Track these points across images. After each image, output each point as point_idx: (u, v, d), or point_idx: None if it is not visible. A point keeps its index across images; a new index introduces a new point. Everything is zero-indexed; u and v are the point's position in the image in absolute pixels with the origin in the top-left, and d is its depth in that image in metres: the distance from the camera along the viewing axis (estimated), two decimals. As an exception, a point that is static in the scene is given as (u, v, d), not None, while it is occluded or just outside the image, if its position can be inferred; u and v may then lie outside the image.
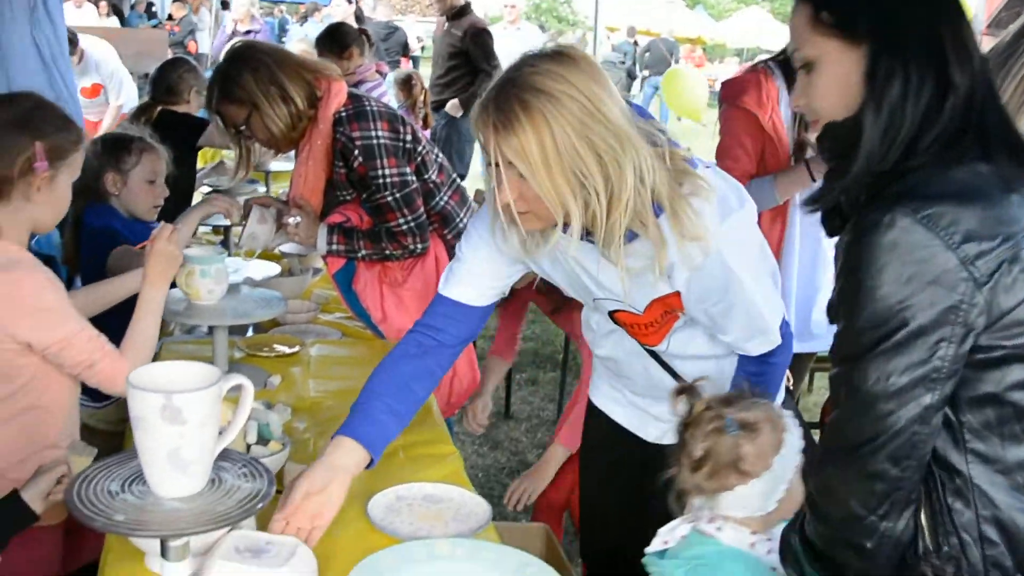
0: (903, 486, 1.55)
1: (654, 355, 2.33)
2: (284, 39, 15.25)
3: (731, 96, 3.25)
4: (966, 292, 1.48)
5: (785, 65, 3.21)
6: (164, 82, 4.82)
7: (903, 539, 1.57)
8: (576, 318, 2.66)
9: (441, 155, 3.39)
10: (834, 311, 1.60)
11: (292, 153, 3.32)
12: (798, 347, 2.45)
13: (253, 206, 3.23)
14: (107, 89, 7.42)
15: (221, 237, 4.38)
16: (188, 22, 14.42)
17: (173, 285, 2.59)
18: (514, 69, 1.87)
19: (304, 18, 16.71)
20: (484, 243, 2.18)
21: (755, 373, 2.22)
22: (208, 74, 4.29)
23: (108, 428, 3.16)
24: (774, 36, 21.39)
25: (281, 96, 3.07)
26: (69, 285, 3.09)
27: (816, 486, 1.61)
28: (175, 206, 4.28)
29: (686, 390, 1.95)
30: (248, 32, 10.56)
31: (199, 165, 5.33)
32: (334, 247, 3.19)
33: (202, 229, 4.55)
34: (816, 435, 4.57)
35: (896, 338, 1.50)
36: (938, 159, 1.53)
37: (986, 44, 2.14)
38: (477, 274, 2.23)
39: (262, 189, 5.28)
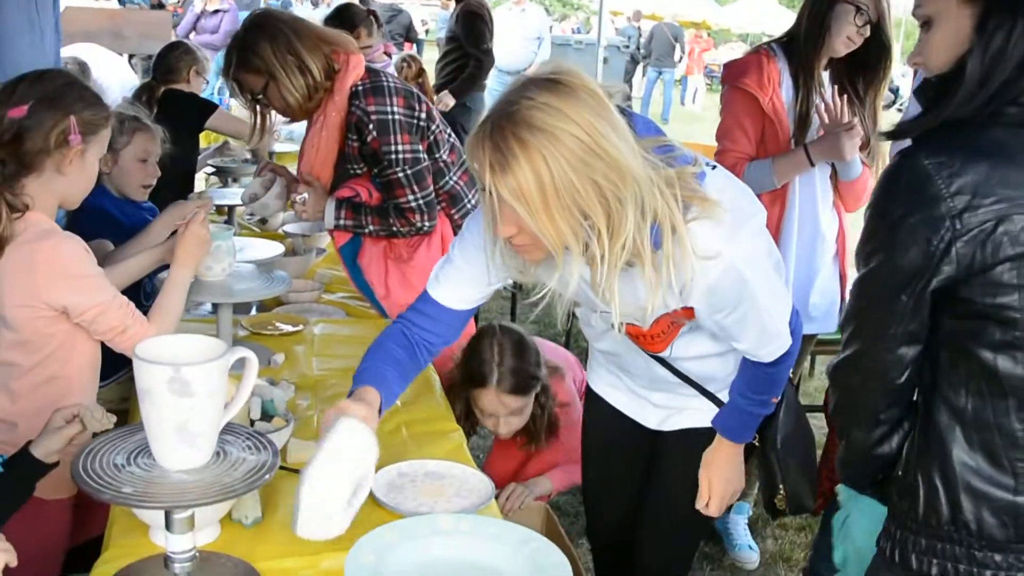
0: (864, 403, 1.78)
1: (658, 359, 2.32)
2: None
3: (732, 77, 3.27)
4: (942, 240, 1.59)
5: (787, 47, 3.23)
6: (164, 62, 4.84)
7: (880, 453, 1.79)
8: None
9: (453, 135, 3.40)
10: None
11: (294, 135, 3.33)
12: None
13: (266, 174, 3.26)
14: None
15: (226, 216, 4.39)
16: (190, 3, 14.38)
17: None
18: (510, 102, 1.76)
19: (315, 3, 16.60)
20: (478, 252, 2.08)
21: (765, 374, 2.22)
22: None
23: (110, 407, 3.17)
24: (779, 21, 21.29)
25: (299, 67, 3.06)
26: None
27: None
28: (178, 186, 4.31)
29: None
30: (216, 12, 10.44)
31: (202, 146, 5.34)
32: (341, 222, 3.20)
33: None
34: (819, 419, 4.57)
35: (871, 265, 1.69)
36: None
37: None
38: (467, 279, 2.17)
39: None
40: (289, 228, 4.33)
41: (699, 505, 2.41)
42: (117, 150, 3.31)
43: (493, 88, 8.14)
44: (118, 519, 2.08)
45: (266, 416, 2.35)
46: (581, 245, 1.78)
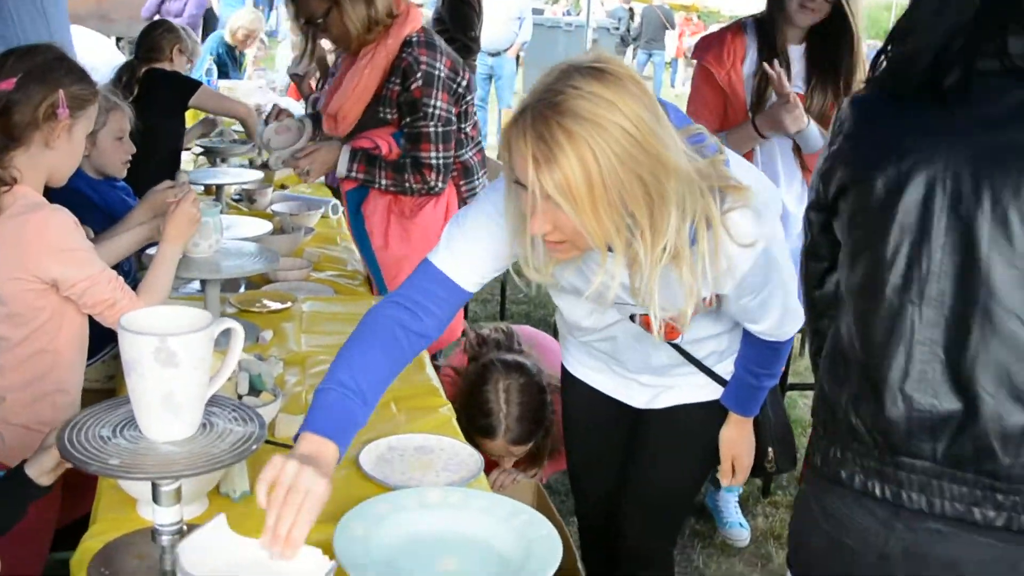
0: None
1: (672, 344, 2.28)
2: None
3: (698, 53, 3.32)
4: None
5: (760, 24, 3.23)
6: (146, 41, 4.79)
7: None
8: None
9: (478, 114, 3.46)
10: None
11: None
12: None
13: (283, 118, 3.31)
14: None
15: (214, 196, 4.37)
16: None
17: None
18: (553, 91, 1.65)
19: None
20: (495, 231, 1.95)
21: (773, 350, 2.24)
22: None
23: (95, 387, 3.16)
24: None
25: None
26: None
27: None
28: (165, 166, 4.28)
29: None
30: None
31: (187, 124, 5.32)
32: (354, 173, 3.26)
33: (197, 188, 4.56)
34: (809, 397, 4.58)
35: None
36: None
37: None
38: (479, 256, 2.01)
39: (253, 152, 5.27)
40: (277, 207, 4.33)
41: (725, 482, 2.49)
42: (95, 131, 3.29)
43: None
44: (105, 494, 2.07)
45: (254, 391, 2.34)
46: (624, 244, 1.70)
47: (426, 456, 2.28)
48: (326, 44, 4.44)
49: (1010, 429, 1.56)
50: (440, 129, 3.19)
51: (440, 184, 3.23)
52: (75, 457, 1.59)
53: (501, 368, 3.01)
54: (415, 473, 2.19)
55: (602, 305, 1.89)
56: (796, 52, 3.21)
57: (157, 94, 4.43)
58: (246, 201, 4.58)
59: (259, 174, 4.48)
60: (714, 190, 1.77)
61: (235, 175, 4.52)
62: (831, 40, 3.15)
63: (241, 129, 5.07)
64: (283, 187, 5.07)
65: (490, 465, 2.95)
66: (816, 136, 3.16)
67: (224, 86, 6.83)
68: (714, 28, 3.84)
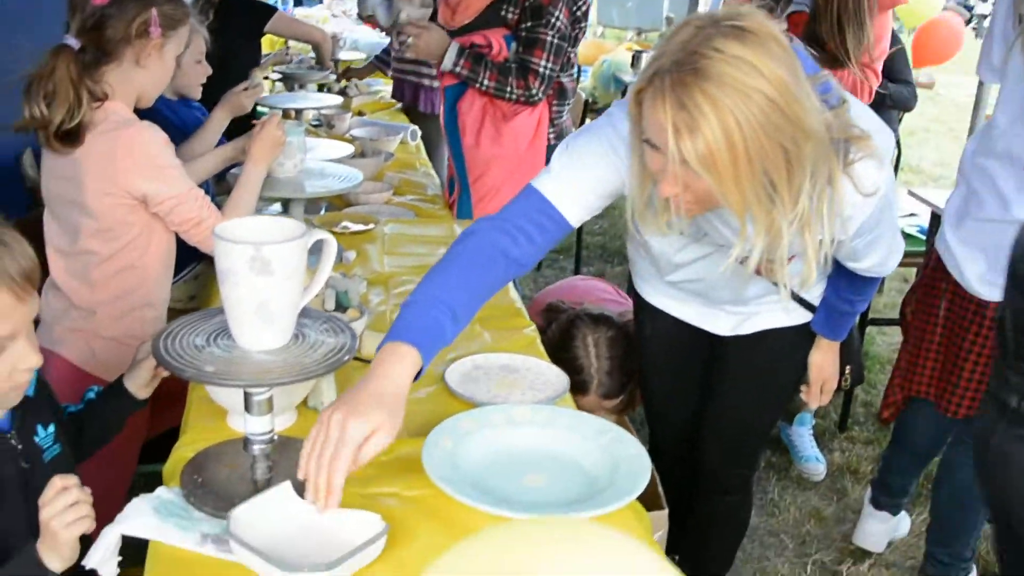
0: None
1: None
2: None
3: None
4: None
5: None
6: None
7: None
8: None
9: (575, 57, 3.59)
10: None
11: (359, 44, 3.37)
12: None
13: None
14: None
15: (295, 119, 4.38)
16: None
17: None
18: (693, 53, 1.55)
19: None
20: (605, 165, 1.91)
21: (868, 279, 2.23)
22: None
23: (177, 306, 3.21)
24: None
25: None
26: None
27: None
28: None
29: None
30: None
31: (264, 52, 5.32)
32: (458, 69, 3.28)
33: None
34: (888, 334, 4.54)
35: None
36: None
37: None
38: (587, 188, 1.94)
39: (333, 75, 5.27)
40: (356, 132, 4.32)
41: (813, 404, 2.54)
42: (180, 55, 3.31)
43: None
44: (195, 405, 2.10)
45: (340, 308, 2.35)
46: (764, 212, 1.63)
47: (512, 375, 2.27)
48: None
49: None
50: (556, 41, 3.23)
51: (540, 95, 3.26)
52: (171, 364, 1.60)
53: (589, 322, 2.96)
54: (501, 391, 2.19)
55: (744, 271, 1.83)
56: None
57: (234, 18, 4.43)
58: (325, 126, 4.59)
59: (338, 99, 4.46)
60: (837, 142, 1.71)
61: (315, 99, 4.51)
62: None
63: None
64: (360, 113, 5.06)
65: None
66: None
67: (300, 13, 6.82)
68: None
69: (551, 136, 3.41)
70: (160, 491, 1.72)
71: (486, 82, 3.24)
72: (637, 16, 12.35)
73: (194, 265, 3.30)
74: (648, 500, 2.07)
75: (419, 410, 2.04)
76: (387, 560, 1.57)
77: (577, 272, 5.88)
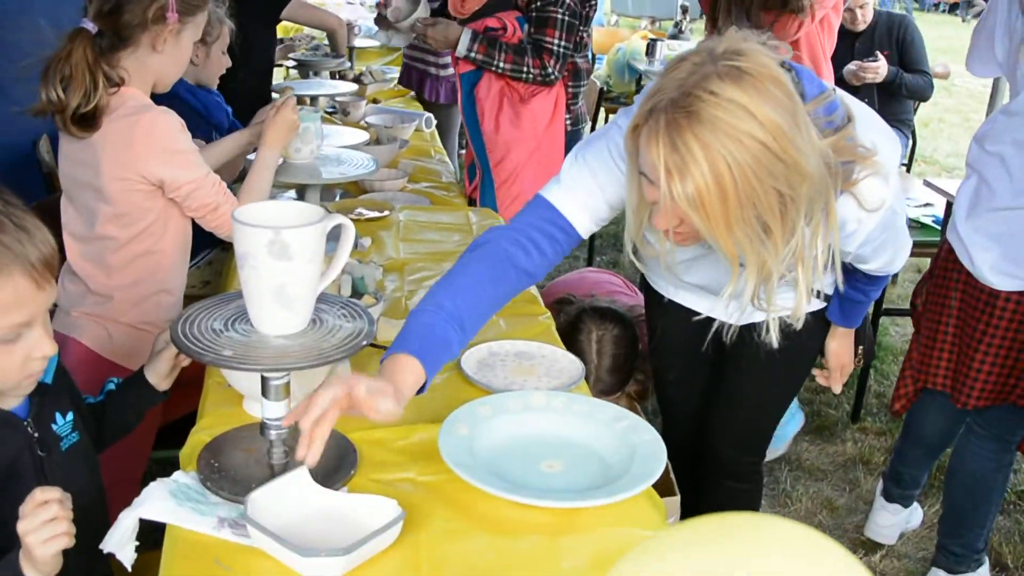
0: None
1: None
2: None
3: None
4: None
5: None
6: None
7: None
8: None
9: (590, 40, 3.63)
10: None
11: (373, 32, 3.38)
12: None
13: None
14: None
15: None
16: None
17: None
18: (687, 94, 1.55)
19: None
20: (613, 174, 1.93)
21: (869, 286, 2.25)
22: None
23: (192, 292, 3.22)
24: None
25: None
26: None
27: None
28: (256, 79, 4.28)
29: None
30: None
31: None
32: (473, 54, 3.31)
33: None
34: (901, 324, 4.54)
35: None
36: None
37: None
38: (595, 196, 1.97)
39: (347, 63, 5.26)
40: (371, 119, 4.32)
41: (836, 388, 2.57)
42: (210, 43, 3.32)
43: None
44: (212, 390, 2.10)
45: (356, 294, 2.36)
46: (755, 253, 1.63)
47: (527, 362, 2.27)
48: None
49: None
50: (567, 18, 3.24)
51: (556, 73, 3.28)
52: (189, 349, 1.60)
53: (595, 317, 2.96)
54: (516, 378, 2.19)
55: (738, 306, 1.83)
56: None
57: (252, 4, 4.42)
58: (340, 114, 4.58)
59: (353, 86, 4.48)
60: (838, 176, 1.71)
61: (331, 86, 4.52)
62: None
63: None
64: (375, 101, 5.06)
65: None
66: None
67: (315, 1, 6.81)
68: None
69: (568, 122, 3.42)
70: (177, 475, 1.72)
71: (502, 64, 3.26)
72: (651, 5, 12.31)
73: (208, 251, 3.31)
74: (661, 487, 2.07)
75: (435, 396, 2.04)
76: (403, 545, 1.58)
77: (591, 261, 5.88)
